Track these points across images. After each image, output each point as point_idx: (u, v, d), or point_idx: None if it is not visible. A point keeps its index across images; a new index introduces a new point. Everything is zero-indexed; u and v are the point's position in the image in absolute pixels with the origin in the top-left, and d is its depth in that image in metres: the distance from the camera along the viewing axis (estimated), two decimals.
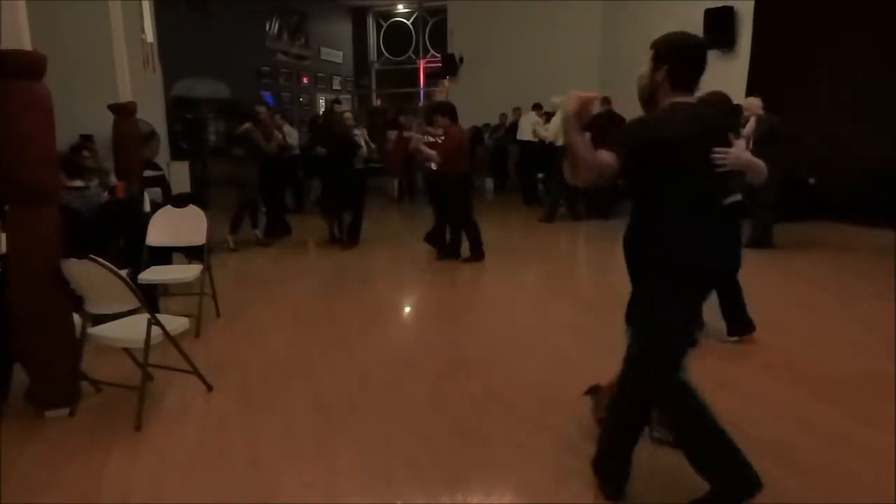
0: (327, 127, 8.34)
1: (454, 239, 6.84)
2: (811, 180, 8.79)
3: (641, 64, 2.33)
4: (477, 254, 6.74)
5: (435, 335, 4.67)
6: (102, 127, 5.99)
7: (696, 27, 8.98)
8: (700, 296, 2.37)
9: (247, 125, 7.47)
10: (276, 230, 8.04)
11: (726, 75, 7.84)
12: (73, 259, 3.08)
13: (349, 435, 3.08)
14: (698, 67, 2.27)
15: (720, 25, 8.86)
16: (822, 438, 3.00)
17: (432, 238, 7.03)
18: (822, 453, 2.86)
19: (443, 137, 6.50)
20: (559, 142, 8.85)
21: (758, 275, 5.94)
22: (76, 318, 3.32)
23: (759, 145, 6.07)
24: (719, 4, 8.98)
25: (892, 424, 3.12)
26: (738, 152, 2.28)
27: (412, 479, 2.70)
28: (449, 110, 6.62)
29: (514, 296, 5.73)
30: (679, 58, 2.26)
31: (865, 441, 2.97)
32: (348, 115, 8.19)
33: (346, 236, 7.73)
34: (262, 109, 7.93)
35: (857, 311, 5.07)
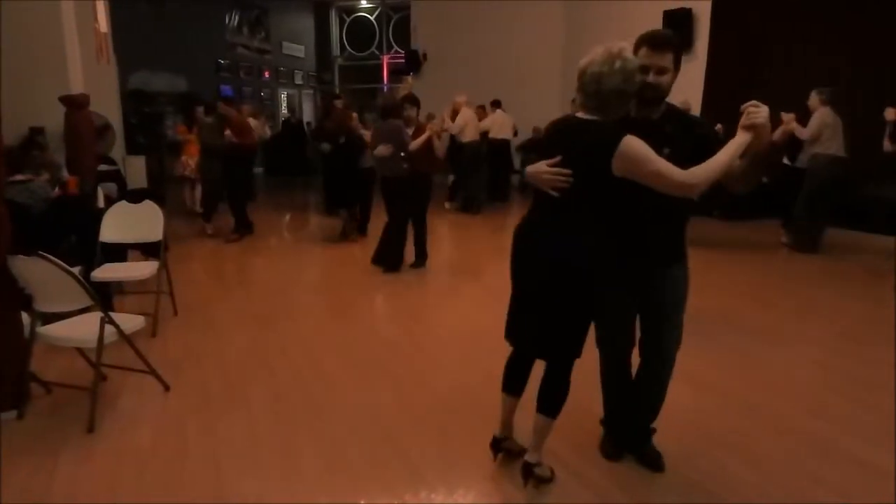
0: (336, 124, 8.10)
1: (399, 245, 6.22)
2: (764, 179, 9.02)
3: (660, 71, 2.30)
4: (423, 257, 6.39)
5: (398, 333, 4.65)
6: (54, 119, 5.79)
7: (654, 28, 9.14)
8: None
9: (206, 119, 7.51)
10: (240, 228, 7.89)
11: (684, 76, 7.97)
12: (21, 255, 2.97)
13: (311, 433, 3.05)
14: None
15: (678, 27, 9.03)
16: (771, 429, 3.09)
17: (383, 256, 6.25)
18: (772, 443, 2.95)
19: (411, 131, 6.01)
20: (465, 138, 9.54)
21: (711, 271, 6.09)
22: (24, 316, 3.21)
23: None
24: (677, 6, 9.17)
25: (834, 414, 3.25)
26: None
27: (375, 478, 2.69)
28: (418, 103, 6.29)
29: (478, 292, 5.74)
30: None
31: (810, 431, 3.07)
32: (355, 114, 8.10)
33: (355, 230, 7.84)
34: (219, 104, 7.82)
35: (808, 307, 5.23)
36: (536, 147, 2.36)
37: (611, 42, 2.22)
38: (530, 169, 2.34)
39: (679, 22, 9.04)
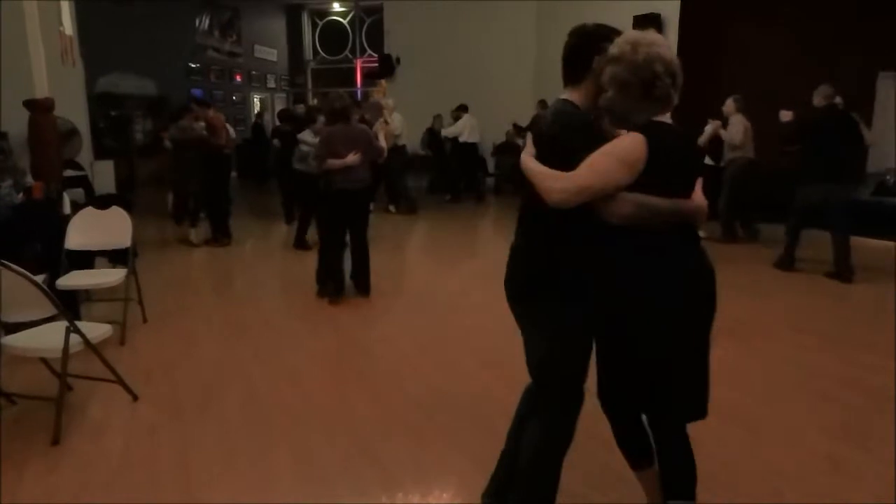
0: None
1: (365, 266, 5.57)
2: None
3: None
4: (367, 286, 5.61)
5: (373, 338, 4.63)
6: (17, 124, 5.66)
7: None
8: None
9: (181, 122, 7.39)
10: (226, 234, 7.75)
11: None
12: None
13: (285, 440, 3.02)
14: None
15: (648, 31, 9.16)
16: (742, 427, 3.14)
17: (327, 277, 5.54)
18: (744, 442, 2.99)
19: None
20: (401, 141, 9.88)
21: None
22: None
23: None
24: (647, 10, 9.29)
25: (804, 412, 3.31)
26: (523, 154, 2.03)
27: (350, 483, 2.67)
28: (359, 105, 5.95)
29: (452, 295, 5.74)
30: None
31: (782, 428, 3.13)
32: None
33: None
34: (193, 106, 7.76)
35: (777, 305, 5.33)
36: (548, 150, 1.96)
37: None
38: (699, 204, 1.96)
39: (649, 26, 9.15)
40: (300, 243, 7.44)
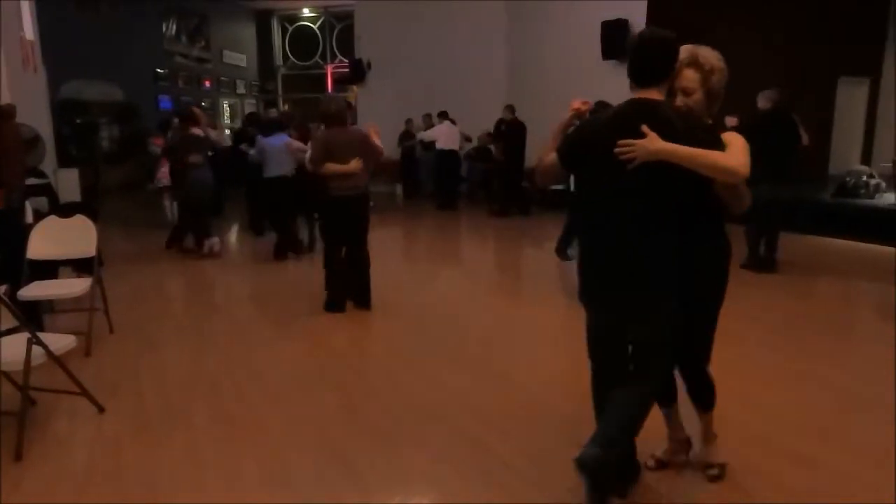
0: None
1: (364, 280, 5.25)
2: None
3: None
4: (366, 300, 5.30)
5: (346, 345, 4.60)
6: None
7: (594, 38, 9.43)
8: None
9: (194, 129, 7.22)
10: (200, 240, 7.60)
11: (622, 85, 8.20)
12: None
13: (254, 450, 2.97)
14: (633, 63, 2.30)
15: (615, 37, 9.30)
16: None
17: (343, 295, 5.24)
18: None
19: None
20: None
21: None
22: None
23: None
24: (615, 16, 9.43)
25: (771, 411, 3.37)
26: (647, 142, 2.08)
27: (321, 491, 2.64)
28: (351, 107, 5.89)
29: (426, 303, 5.73)
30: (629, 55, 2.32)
31: (749, 427, 3.18)
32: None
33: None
34: (198, 112, 7.69)
35: (741, 306, 5.43)
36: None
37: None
38: None
39: (616, 32, 9.31)
40: (280, 254, 7.25)
